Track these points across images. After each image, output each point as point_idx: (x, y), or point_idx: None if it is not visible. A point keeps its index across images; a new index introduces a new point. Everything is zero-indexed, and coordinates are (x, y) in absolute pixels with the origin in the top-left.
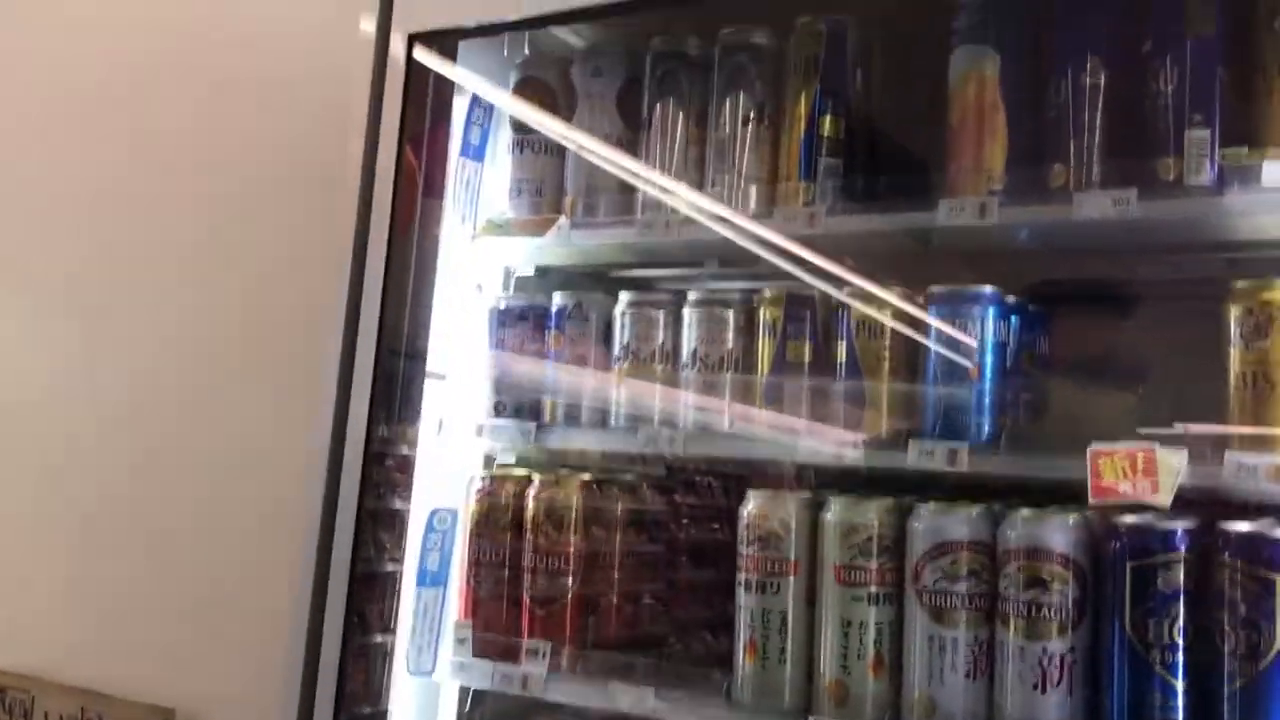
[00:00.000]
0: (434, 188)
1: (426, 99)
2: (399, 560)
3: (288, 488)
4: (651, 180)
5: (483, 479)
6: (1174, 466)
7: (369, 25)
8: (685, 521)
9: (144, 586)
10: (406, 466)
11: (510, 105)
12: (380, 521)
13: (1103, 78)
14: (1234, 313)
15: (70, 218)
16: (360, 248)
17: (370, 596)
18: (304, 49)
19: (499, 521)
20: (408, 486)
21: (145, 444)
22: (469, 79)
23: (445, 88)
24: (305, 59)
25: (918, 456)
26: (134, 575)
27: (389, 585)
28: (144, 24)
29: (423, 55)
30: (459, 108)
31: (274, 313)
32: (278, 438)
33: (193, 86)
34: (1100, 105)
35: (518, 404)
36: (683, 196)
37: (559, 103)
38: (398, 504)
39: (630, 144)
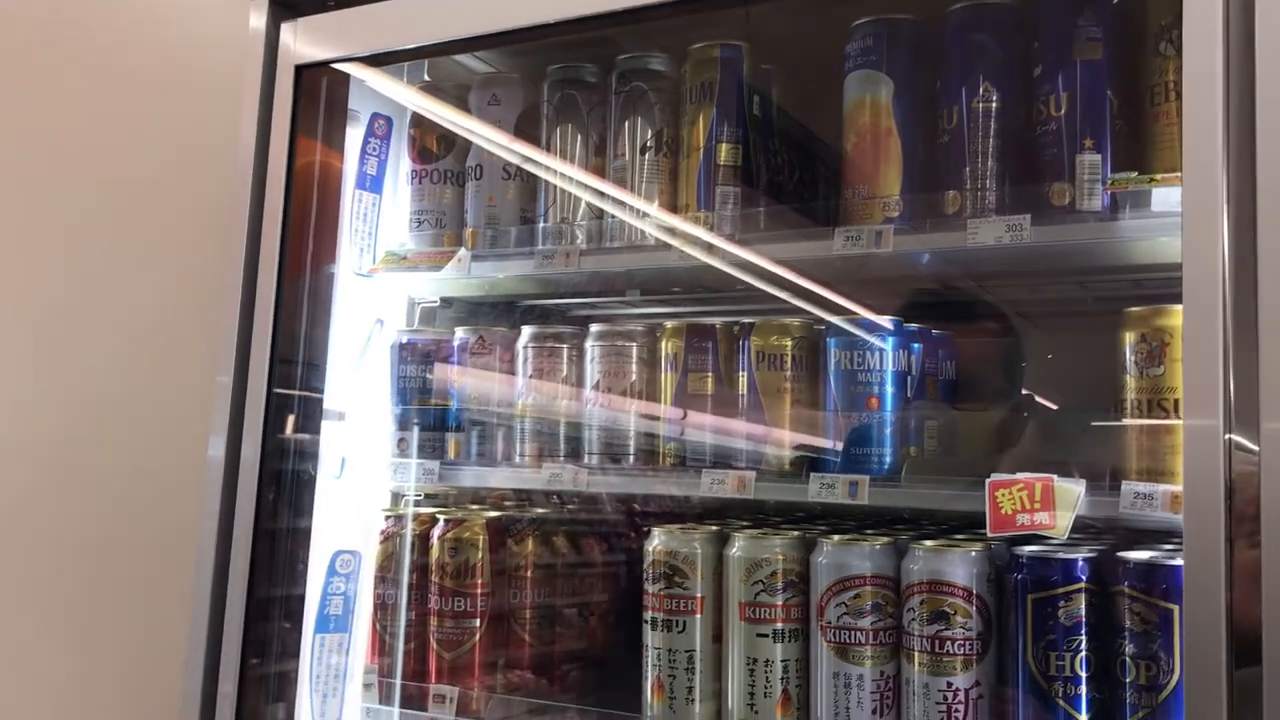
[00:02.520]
0: (328, 221)
1: (317, 131)
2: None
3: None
4: (554, 210)
5: (386, 519)
6: (1072, 496)
7: (255, 58)
8: (598, 557)
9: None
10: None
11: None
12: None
13: (995, 103)
14: (1128, 339)
15: None
16: (249, 286)
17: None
18: (193, 78)
19: (403, 563)
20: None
21: (28, 481)
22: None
23: (337, 119)
24: (194, 88)
25: (819, 489)
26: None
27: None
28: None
29: (311, 87)
30: (353, 139)
31: (162, 357)
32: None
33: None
34: (993, 130)
35: (421, 441)
36: (583, 227)
37: (457, 131)
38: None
39: (529, 173)
